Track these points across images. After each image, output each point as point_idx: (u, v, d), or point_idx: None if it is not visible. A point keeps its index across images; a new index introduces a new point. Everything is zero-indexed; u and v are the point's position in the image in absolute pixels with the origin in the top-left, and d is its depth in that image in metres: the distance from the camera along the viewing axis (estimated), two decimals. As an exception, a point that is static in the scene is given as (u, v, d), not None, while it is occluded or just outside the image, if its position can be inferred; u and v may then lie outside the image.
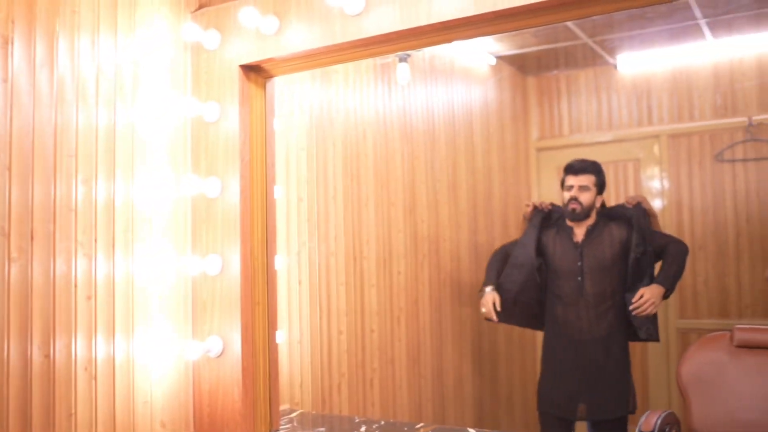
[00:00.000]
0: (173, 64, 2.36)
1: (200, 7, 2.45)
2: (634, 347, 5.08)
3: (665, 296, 3.37)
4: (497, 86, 4.91)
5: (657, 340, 3.45)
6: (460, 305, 4.10)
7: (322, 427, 2.44)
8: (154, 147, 2.28)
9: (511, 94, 5.18)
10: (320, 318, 2.91)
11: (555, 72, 5.41)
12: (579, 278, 3.42)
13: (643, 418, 2.74)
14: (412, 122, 3.70)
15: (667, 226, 5.02)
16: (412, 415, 3.53)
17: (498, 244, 4.60)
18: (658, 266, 3.51)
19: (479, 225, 4.43)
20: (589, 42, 4.71)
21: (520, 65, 5.23)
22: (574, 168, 3.52)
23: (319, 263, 2.92)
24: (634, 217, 3.40)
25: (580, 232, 3.53)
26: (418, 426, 2.36)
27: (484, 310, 3.56)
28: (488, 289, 3.57)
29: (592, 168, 3.51)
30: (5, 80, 1.89)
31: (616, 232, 3.42)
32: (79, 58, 2.07)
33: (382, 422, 2.44)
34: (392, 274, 3.43)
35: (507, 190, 4.94)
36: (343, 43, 2.14)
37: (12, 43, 1.91)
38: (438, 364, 3.82)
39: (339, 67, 3.12)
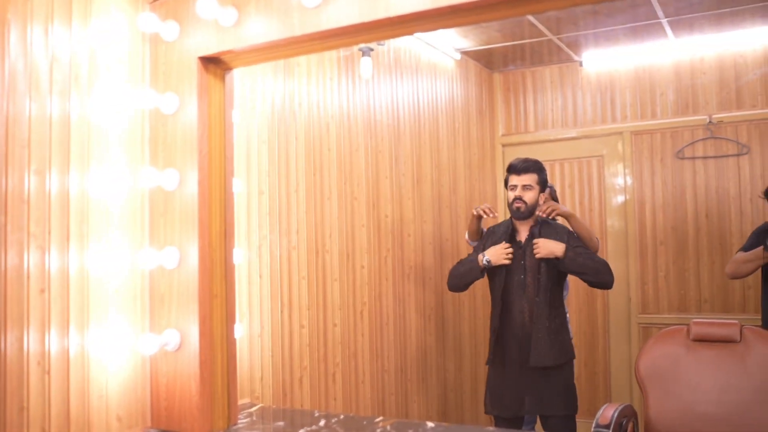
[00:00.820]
0: (130, 55, 2.33)
1: (159, -3, 2.42)
2: (596, 342, 5.14)
3: (560, 259, 3.31)
4: (463, 81, 4.93)
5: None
6: (424, 299, 4.11)
7: (282, 421, 2.43)
8: (111, 138, 2.25)
9: (477, 90, 5.20)
10: (281, 312, 2.91)
11: (517, 68, 5.45)
12: (522, 276, 3.44)
13: (600, 412, 2.79)
14: (376, 116, 3.69)
15: (629, 221, 5.08)
16: (375, 409, 3.54)
17: (462, 240, 4.63)
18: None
19: (443, 219, 4.45)
20: (554, 39, 4.74)
21: (486, 61, 5.26)
22: (516, 168, 3.54)
23: (280, 257, 2.91)
24: (569, 233, 3.47)
25: (524, 230, 3.56)
26: (378, 420, 2.37)
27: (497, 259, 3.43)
28: (482, 255, 3.48)
29: (534, 167, 3.54)
30: (-46, 69, 1.85)
31: (554, 238, 3.43)
32: (31, 48, 2.04)
33: (342, 416, 2.44)
34: (355, 268, 3.43)
35: (472, 185, 4.96)
36: (301, 36, 2.13)
37: (-38, 31, 1.88)
38: (401, 359, 3.83)
39: (302, 60, 3.11)
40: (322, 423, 2.34)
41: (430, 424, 2.30)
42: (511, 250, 3.42)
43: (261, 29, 2.17)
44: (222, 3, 2.21)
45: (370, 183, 3.62)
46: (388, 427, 2.26)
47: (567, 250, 3.30)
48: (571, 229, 3.58)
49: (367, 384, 3.49)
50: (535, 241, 3.37)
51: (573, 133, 5.33)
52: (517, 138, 5.48)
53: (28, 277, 2.00)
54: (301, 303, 3.03)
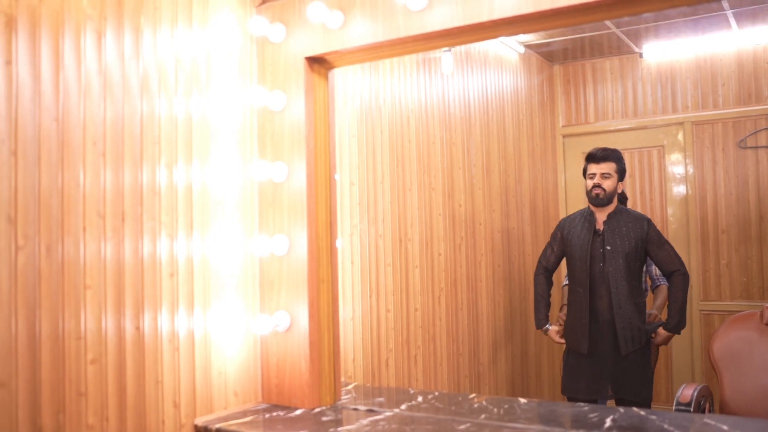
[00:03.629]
0: (241, 56, 2.50)
1: (264, 1, 2.58)
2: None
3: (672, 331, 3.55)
4: (526, 74, 5.04)
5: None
6: (494, 286, 4.25)
7: (381, 397, 2.59)
8: (225, 134, 2.42)
9: (538, 82, 5.31)
10: (370, 297, 3.07)
11: (577, 60, 5.53)
12: (601, 264, 3.55)
13: (680, 391, 2.90)
14: (450, 109, 3.83)
15: (690, 210, 5.15)
16: (452, 389, 3.69)
17: (527, 228, 4.75)
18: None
19: (510, 209, 4.57)
20: (616, 31, 4.82)
21: (547, 54, 5.35)
22: (595, 157, 3.65)
23: (369, 245, 3.08)
24: (649, 222, 3.58)
25: (601, 218, 3.66)
26: (472, 396, 2.52)
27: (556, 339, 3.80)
28: (548, 327, 3.83)
29: (613, 156, 3.64)
30: (100, 72, 2.03)
31: (633, 224, 3.55)
32: (161, 51, 2.22)
33: (437, 393, 2.59)
34: (433, 255, 3.58)
35: (535, 175, 5.07)
36: (405, 37, 2.27)
37: (105, 37, 2.06)
38: (474, 342, 3.98)
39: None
40: (420, 399, 2.50)
41: (522, 400, 2.45)
42: (561, 341, 3.73)
43: (365, 31, 2.32)
44: (329, 6, 2.36)
45: (445, 174, 3.76)
46: (484, 402, 2.41)
47: (668, 324, 3.51)
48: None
49: (444, 366, 3.65)
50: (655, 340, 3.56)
51: (633, 124, 5.40)
52: (578, 129, 5.57)
53: (160, 263, 2.18)
54: (387, 289, 3.19)
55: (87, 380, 1.96)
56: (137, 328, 2.10)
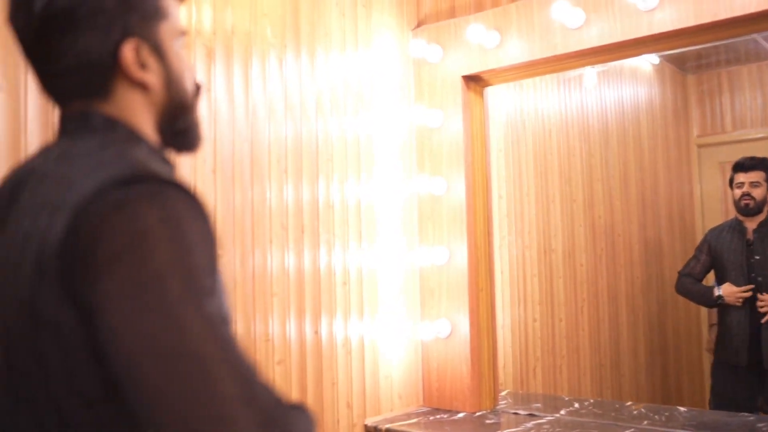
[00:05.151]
0: (400, 76, 2.65)
1: (419, 24, 2.72)
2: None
3: None
4: (659, 84, 4.99)
5: None
6: (633, 297, 4.23)
7: (538, 403, 2.66)
8: (387, 151, 2.57)
9: (672, 92, 5.24)
10: (518, 306, 3.14)
11: (711, 69, 5.41)
12: (752, 275, 3.48)
13: None
14: (588, 121, 3.87)
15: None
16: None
17: (665, 239, 4.69)
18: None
19: (647, 219, 4.54)
20: (756, 36, 4.70)
21: (679, 63, 5.28)
22: (744, 166, 3.58)
23: (516, 256, 3.16)
24: None
25: (751, 227, 3.59)
26: (629, 403, 2.55)
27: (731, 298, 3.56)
28: (718, 291, 3.62)
29: (762, 164, 3.57)
30: (282, 95, 2.22)
31: None
32: (332, 74, 2.39)
33: (591, 400, 2.64)
34: (576, 266, 3.62)
35: (671, 186, 5.00)
36: (561, 55, 2.35)
37: (285, 63, 2.25)
38: (615, 354, 3.97)
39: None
40: (576, 405, 2.55)
41: (681, 408, 2.46)
42: (747, 294, 3.49)
43: (522, 50, 2.42)
44: (487, 27, 2.47)
45: (585, 185, 3.79)
46: (643, 410, 2.44)
47: None
48: None
49: (587, 376, 3.66)
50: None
51: (773, 132, 5.23)
52: (713, 139, 5.45)
53: (334, 273, 2.34)
54: (534, 298, 3.26)
55: (274, 380, 2.13)
56: (316, 333, 2.26)
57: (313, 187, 2.30)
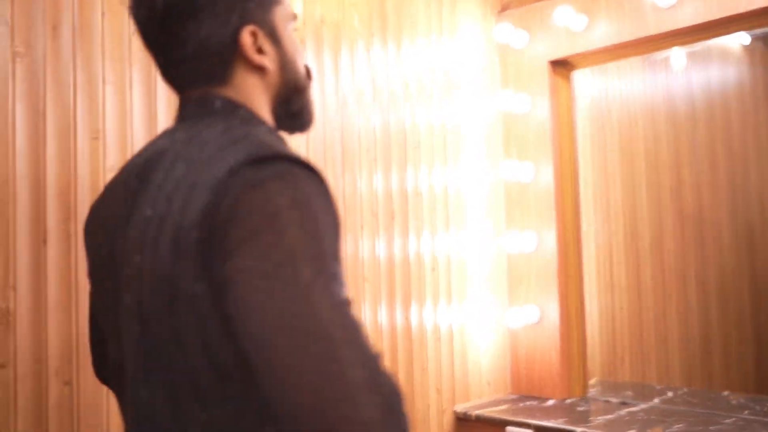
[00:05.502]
0: (485, 62, 2.63)
1: (503, 9, 2.70)
2: None
3: None
4: (749, 66, 4.81)
5: None
6: (723, 285, 4.10)
7: (628, 391, 2.62)
8: (473, 137, 2.56)
9: (763, 74, 5.05)
10: (605, 294, 3.09)
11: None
12: None
13: None
14: (674, 106, 3.76)
15: None
16: (684, 392, 3.62)
17: (757, 225, 4.54)
18: None
19: (738, 206, 4.39)
20: None
21: (768, 42, 5.07)
22: None
23: (602, 243, 3.10)
24: None
25: None
26: (725, 393, 2.48)
27: None
28: None
29: None
30: (370, 84, 2.24)
31: None
32: (418, 61, 2.40)
33: (685, 389, 2.58)
34: (663, 253, 3.53)
35: (763, 171, 4.82)
36: (652, 35, 2.30)
37: (372, 51, 2.26)
38: (705, 344, 3.87)
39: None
40: (669, 394, 2.50)
41: (782, 400, 2.38)
42: None
43: (610, 32, 2.37)
44: (576, 10, 2.43)
45: (672, 171, 3.70)
46: (742, 400, 2.37)
47: None
48: None
49: (676, 366, 3.58)
50: None
51: None
52: (805, 120, 5.23)
53: (424, 259, 2.35)
54: (620, 286, 3.20)
55: (367, 364, 2.16)
56: (406, 318, 2.28)
57: (402, 174, 2.31)
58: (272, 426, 0.80)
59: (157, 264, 0.81)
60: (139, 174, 0.91)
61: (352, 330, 0.73)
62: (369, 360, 0.72)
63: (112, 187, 0.97)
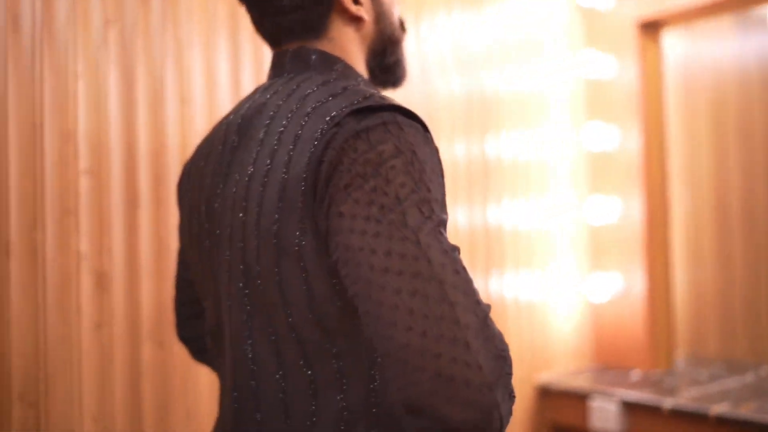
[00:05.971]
0: (569, 25, 2.55)
1: (588, -30, 2.61)
2: None
3: None
4: None
5: None
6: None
7: (719, 363, 2.54)
8: (556, 102, 2.50)
9: None
10: (692, 265, 2.99)
11: None
12: None
13: None
14: None
15: None
16: None
17: None
18: None
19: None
20: None
21: None
22: None
23: (688, 212, 3.00)
24: None
25: None
26: (823, 369, 2.37)
27: None
28: None
29: None
30: (452, 48, 2.20)
31: None
32: (500, 24, 2.34)
33: (778, 364, 2.48)
34: (754, 224, 3.39)
35: None
36: (750, -10, 2.18)
37: (452, 14, 2.22)
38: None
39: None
40: (763, 370, 2.40)
41: None
42: None
43: (705, -11, 2.26)
44: (666, -32, 2.33)
45: (765, 138, 3.53)
46: (841, 377, 2.27)
47: None
48: None
49: (766, 342, 3.45)
50: None
51: None
52: None
53: (504, 228, 2.31)
54: (708, 257, 3.09)
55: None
56: (487, 287, 2.25)
57: (483, 141, 2.27)
58: (376, 384, 0.79)
59: (263, 219, 0.80)
60: (238, 131, 0.90)
61: (465, 276, 0.70)
62: (481, 308, 0.69)
63: (205, 147, 0.97)
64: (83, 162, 1.51)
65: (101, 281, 1.52)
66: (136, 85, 1.57)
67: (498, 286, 2.28)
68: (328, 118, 0.77)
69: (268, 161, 0.81)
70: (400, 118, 0.77)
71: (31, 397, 1.43)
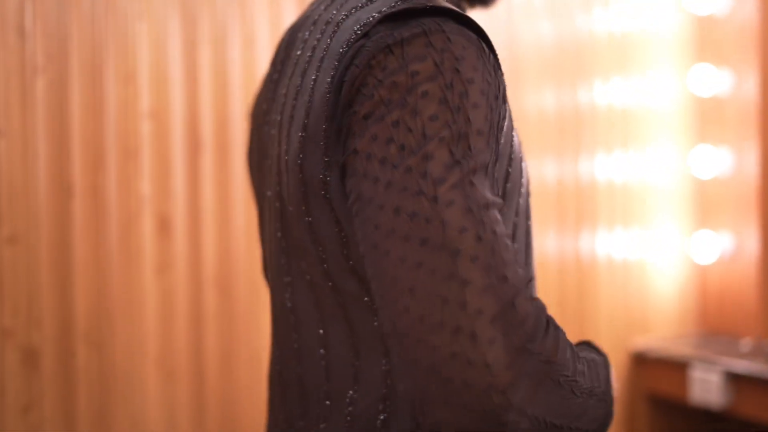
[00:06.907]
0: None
1: None
2: None
3: None
4: None
5: None
6: None
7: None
8: (657, 43, 2.28)
9: None
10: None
11: None
12: None
13: None
14: None
15: None
16: None
17: None
18: None
19: None
20: None
21: None
22: None
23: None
24: None
25: None
26: None
27: None
28: None
29: None
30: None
31: None
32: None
33: None
34: None
35: None
36: None
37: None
38: None
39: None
40: None
41: None
42: None
43: None
44: None
45: None
46: None
47: None
48: None
49: None
50: None
51: None
52: None
53: (598, 182, 2.16)
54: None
55: (533, 290, 2.03)
56: (577, 246, 2.11)
57: (574, 89, 2.11)
58: None
59: (291, 151, 0.67)
60: (286, 46, 0.79)
61: (491, 243, 0.55)
62: (509, 286, 0.54)
63: (268, 71, 0.86)
64: (145, 104, 1.49)
65: (163, 225, 1.51)
66: (198, 26, 1.54)
67: (589, 244, 2.13)
68: (357, 27, 0.63)
69: (299, 81, 0.68)
70: (449, 25, 0.60)
71: (94, 337, 1.45)
